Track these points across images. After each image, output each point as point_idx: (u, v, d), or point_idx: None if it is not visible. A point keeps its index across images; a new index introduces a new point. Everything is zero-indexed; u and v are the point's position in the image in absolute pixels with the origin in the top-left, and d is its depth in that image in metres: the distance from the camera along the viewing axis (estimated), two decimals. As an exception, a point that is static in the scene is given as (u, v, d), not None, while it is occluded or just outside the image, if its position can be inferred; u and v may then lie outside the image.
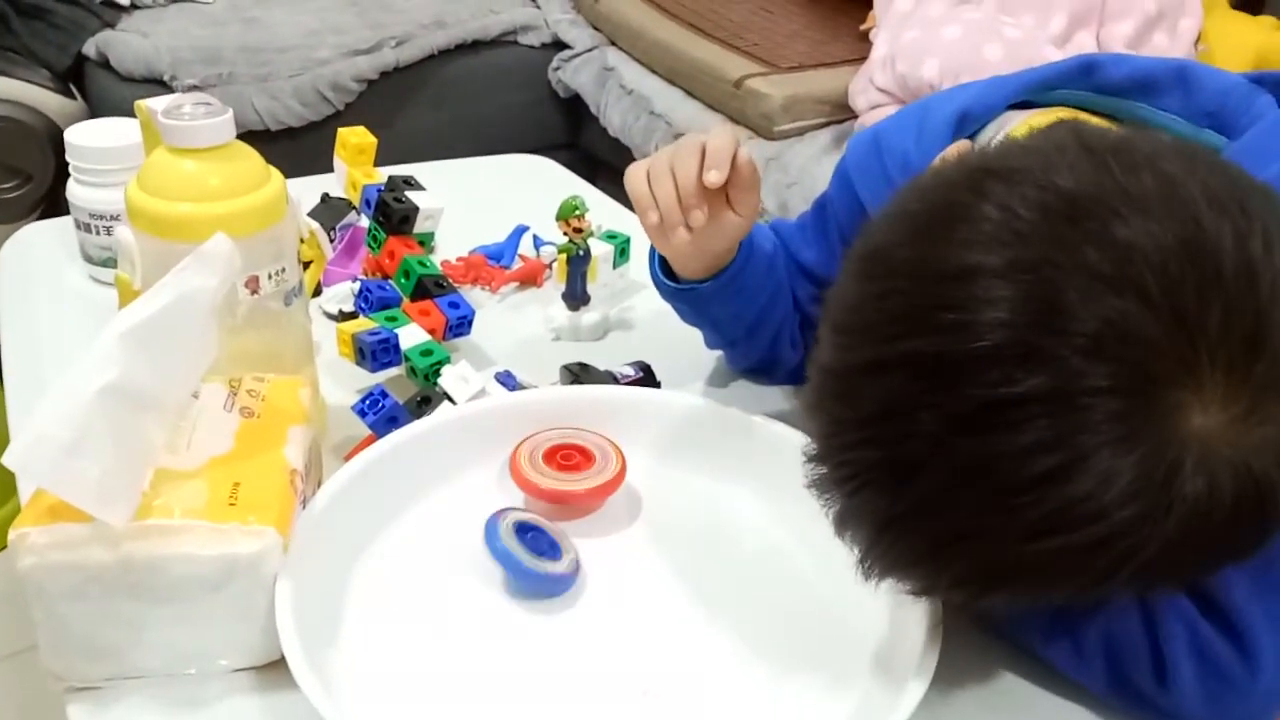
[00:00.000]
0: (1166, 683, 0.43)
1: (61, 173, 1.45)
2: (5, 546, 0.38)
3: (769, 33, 1.58)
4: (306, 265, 0.69)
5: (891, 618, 0.46)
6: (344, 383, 0.65)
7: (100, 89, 1.60)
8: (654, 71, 1.60)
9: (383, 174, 0.78)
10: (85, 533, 0.42)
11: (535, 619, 0.48)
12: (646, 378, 0.65)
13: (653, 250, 0.62)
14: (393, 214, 0.72)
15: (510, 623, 0.47)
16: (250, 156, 0.53)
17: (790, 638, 0.47)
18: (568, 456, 0.54)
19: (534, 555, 0.48)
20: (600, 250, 0.76)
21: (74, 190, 0.75)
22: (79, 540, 0.42)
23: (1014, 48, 1.14)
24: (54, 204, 1.50)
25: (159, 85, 1.58)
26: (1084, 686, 0.46)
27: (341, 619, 0.46)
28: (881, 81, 1.24)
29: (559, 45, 1.81)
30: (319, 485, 0.50)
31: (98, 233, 0.75)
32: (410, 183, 0.76)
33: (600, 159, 1.78)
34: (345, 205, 0.81)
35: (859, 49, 1.44)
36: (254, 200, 0.51)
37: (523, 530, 0.49)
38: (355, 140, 0.78)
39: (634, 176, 0.56)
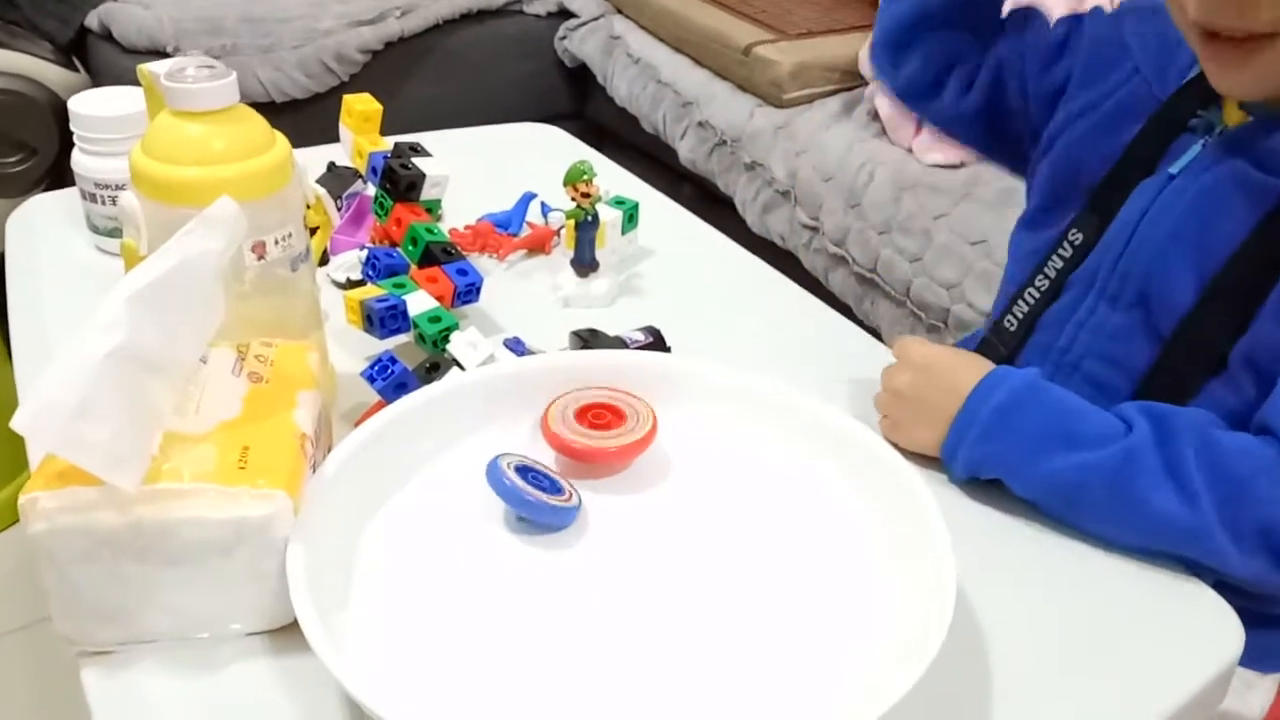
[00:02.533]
0: None
1: (66, 146, 1.45)
2: (15, 522, 0.38)
3: (777, -1, 1.56)
4: (313, 231, 0.68)
5: (906, 606, 0.45)
6: (353, 350, 0.64)
7: (103, 61, 1.59)
8: (661, 39, 1.59)
9: (389, 141, 0.78)
10: (95, 496, 0.41)
11: (548, 578, 0.47)
12: (656, 343, 0.64)
13: None
14: (399, 181, 0.71)
15: (521, 583, 0.47)
16: (255, 120, 0.52)
17: (799, 603, 0.46)
18: (599, 415, 0.54)
19: (537, 490, 0.48)
20: (609, 216, 0.75)
21: (78, 160, 0.75)
22: (89, 504, 0.41)
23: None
24: (59, 178, 1.50)
25: (161, 57, 1.56)
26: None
27: (353, 581, 0.46)
28: (892, 47, 1.22)
29: (565, 14, 1.79)
30: (329, 451, 0.50)
31: (103, 202, 0.74)
32: (417, 149, 0.75)
33: (608, 128, 1.77)
34: (351, 174, 0.80)
35: (869, 14, 1.42)
36: (259, 164, 0.51)
37: (523, 471, 0.49)
38: (361, 107, 0.77)
39: None
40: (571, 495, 0.50)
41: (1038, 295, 0.62)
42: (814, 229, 1.28)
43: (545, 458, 0.53)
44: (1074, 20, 0.67)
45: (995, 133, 0.70)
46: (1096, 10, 0.66)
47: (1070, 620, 0.49)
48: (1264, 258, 0.52)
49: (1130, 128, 0.60)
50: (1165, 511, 0.49)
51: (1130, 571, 0.51)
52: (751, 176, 1.37)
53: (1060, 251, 0.61)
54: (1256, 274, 0.52)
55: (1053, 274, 0.61)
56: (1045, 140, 0.66)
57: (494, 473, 0.49)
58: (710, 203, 1.48)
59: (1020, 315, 0.63)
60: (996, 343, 0.64)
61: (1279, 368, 0.52)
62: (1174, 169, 0.57)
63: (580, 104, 1.85)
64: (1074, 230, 0.60)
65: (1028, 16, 0.69)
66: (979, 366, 0.55)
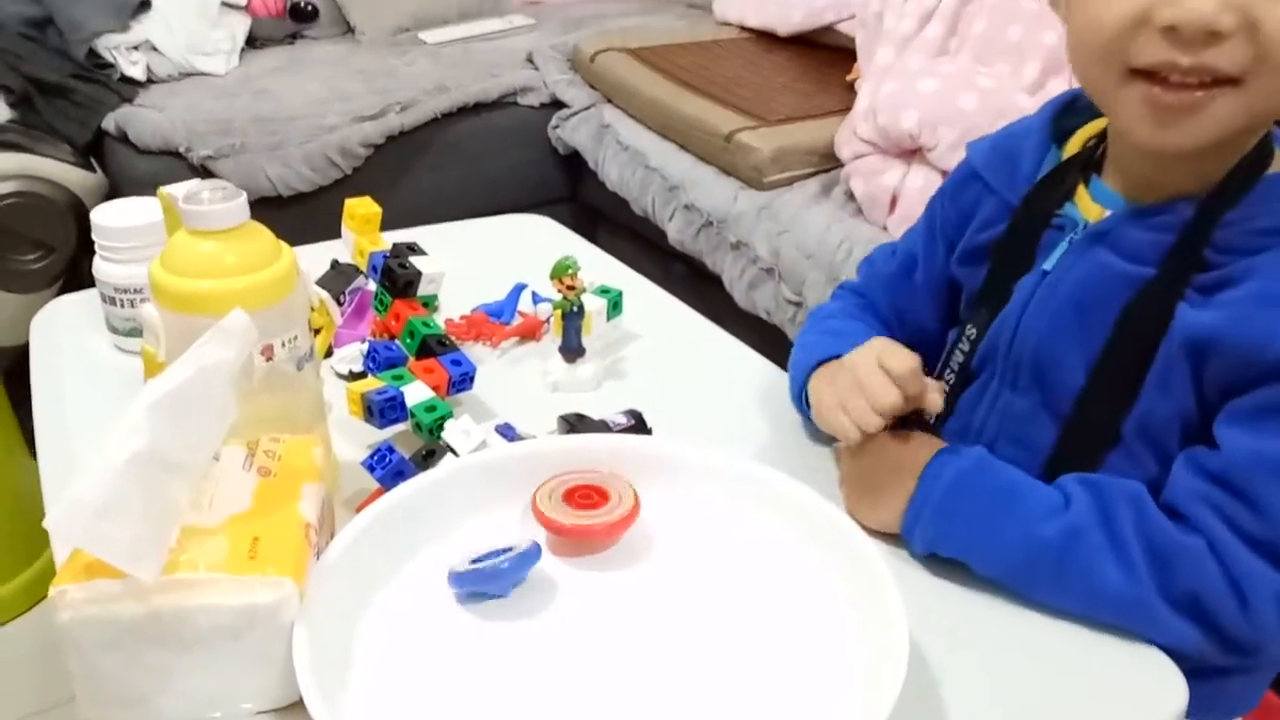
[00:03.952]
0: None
1: (83, 243, 1.51)
2: (31, 607, 0.42)
3: (758, 87, 1.63)
4: (317, 331, 0.73)
5: (868, 673, 0.48)
6: (355, 438, 0.69)
7: (120, 162, 1.66)
8: (649, 127, 1.66)
9: (388, 241, 0.83)
10: (118, 588, 0.45)
11: (540, 652, 0.51)
12: (638, 425, 0.68)
13: (795, 381, 0.71)
14: (397, 279, 0.76)
15: (515, 658, 0.51)
16: (263, 235, 0.58)
17: (769, 664, 0.50)
18: (586, 496, 0.58)
19: (488, 561, 0.53)
20: (594, 305, 0.80)
21: (100, 267, 0.80)
22: (112, 595, 0.45)
23: (988, 97, 1.19)
24: (74, 274, 1.55)
25: (175, 158, 1.65)
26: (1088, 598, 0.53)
27: (354, 660, 0.50)
28: (864, 133, 1.29)
29: (557, 105, 1.88)
30: (332, 536, 0.54)
31: (122, 305, 0.80)
32: (414, 248, 0.81)
33: (601, 211, 1.84)
34: (354, 270, 0.85)
35: (845, 99, 1.49)
36: (267, 275, 0.56)
37: (475, 561, 0.54)
38: (362, 211, 0.83)
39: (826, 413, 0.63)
40: (521, 544, 0.54)
41: (952, 381, 0.67)
42: (797, 304, 1.33)
43: (539, 537, 0.57)
44: (911, 243, 0.73)
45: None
46: (960, 164, 0.71)
47: (1022, 680, 0.52)
48: (1139, 335, 0.56)
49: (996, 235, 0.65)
50: (1108, 583, 0.53)
51: (1078, 633, 0.54)
52: (737, 255, 1.43)
53: (960, 346, 0.66)
54: (1135, 351, 0.56)
55: (956, 366, 0.66)
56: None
57: (457, 581, 0.53)
58: (700, 280, 1.54)
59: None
60: (921, 429, 0.68)
61: (1169, 438, 0.57)
62: (1047, 265, 0.61)
63: (574, 189, 1.93)
64: (969, 325, 0.65)
65: (911, 264, 0.73)
66: (927, 445, 0.60)
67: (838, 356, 0.66)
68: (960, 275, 0.69)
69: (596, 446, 0.61)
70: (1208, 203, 0.55)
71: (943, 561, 0.58)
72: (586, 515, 0.56)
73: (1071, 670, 0.53)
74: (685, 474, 0.60)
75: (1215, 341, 0.54)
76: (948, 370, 0.67)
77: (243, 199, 0.56)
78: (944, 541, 0.57)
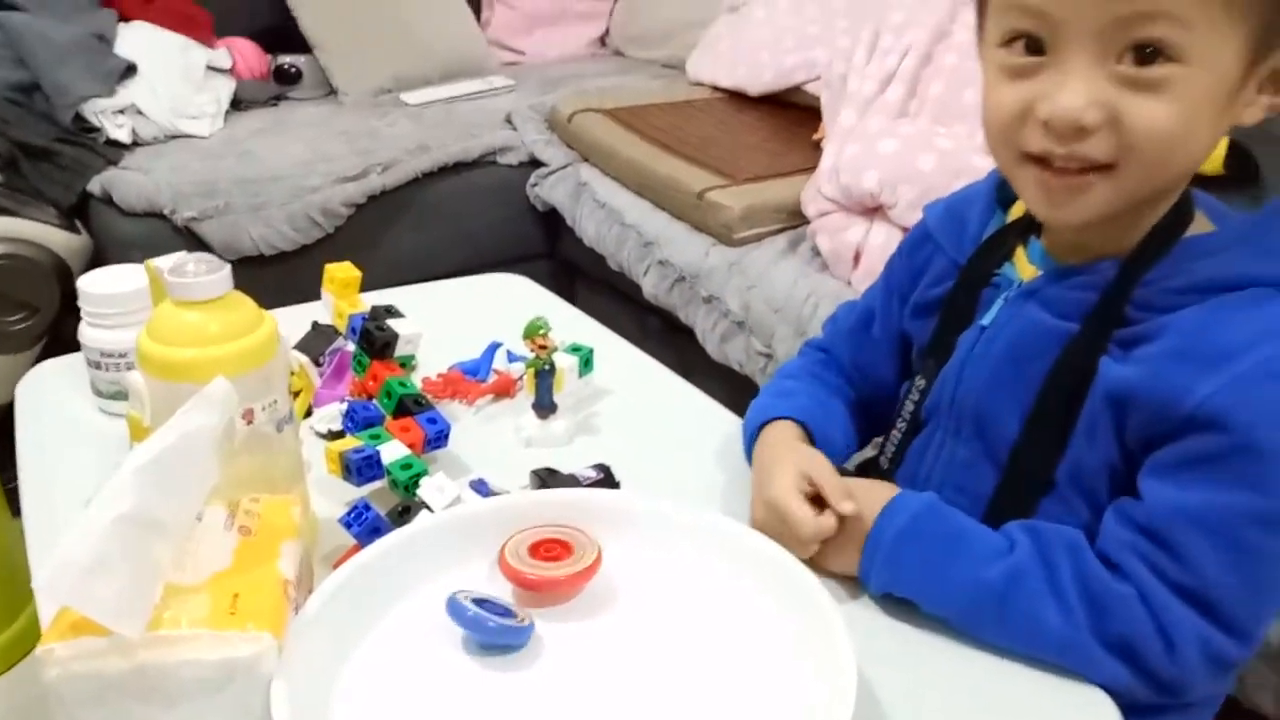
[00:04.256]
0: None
1: (66, 304, 1.53)
2: (9, 669, 0.44)
3: (729, 146, 1.69)
4: (296, 394, 0.76)
5: (823, 712, 0.51)
6: (334, 496, 0.71)
7: (104, 224, 1.69)
8: (624, 186, 1.71)
9: (367, 303, 0.86)
10: (103, 645, 0.47)
11: (510, 699, 0.53)
12: (606, 479, 0.71)
13: (745, 440, 0.74)
14: (375, 341, 0.79)
15: (486, 706, 0.53)
16: (245, 304, 0.61)
17: (727, 702, 0.52)
18: (550, 549, 0.60)
19: (495, 615, 0.55)
20: (565, 363, 0.83)
21: (85, 332, 0.83)
22: (98, 651, 0.47)
23: (946, 158, 1.24)
24: (57, 335, 1.58)
25: (159, 219, 1.68)
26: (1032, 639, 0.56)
27: (333, 713, 0.52)
28: (829, 191, 1.33)
29: (535, 164, 1.93)
30: (310, 592, 0.56)
31: (107, 369, 0.82)
32: (391, 311, 0.84)
33: (578, 266, 1.88)
34: (333, 332, 0.88)
35: (812, 158, 1.54)
36: (249, 343, 0.59)
37: (480, 603, 0.56)
38: (341, 275, 0.86)
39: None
40: (524, 618, 0.56)
41: (903, 431, 0.70)
42: (768, 355, 1.37)
43: (504, 590, 0.59)
44: (869, 303, 0.77)
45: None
46: (916, 225, 0.76)
47: (970, 715, 0.55)
48: (1066, 388, 0.60)
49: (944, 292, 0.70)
50: (1047, 624, 0.56)
51: (1023, 671, 0.57)
52: (709, 309, 1.47)
53: (911, 396, 0.70)
54: (1063, 403, 0.60)
55: (907, 415, 0.70)
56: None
57: (454, 607, 0.55)
58: (674, 333, 1.57)
59: (891, 448, 0.72)
60: (876, 474, 0.72)
61: (1099, 486, 0.60)
62: (985, 321, 0.65)
63: (552, 245, 1.97)
64: (918, 377, 0.69)
65: (869, 318, 0.77)
66: (881, 492, 0.63)
67: (782, 418, 0.70)
68: (912, 329, 0.73)
69: (565, 500, 0.64)
70: (1128, 263, 0.59)
71: (898, 604, 0.61)
72: (550, 567, 0.59)
73: (1017, 707, 0.55)
74: (648, 526, 0.63)
75: (1134, 395, 0.57)
76: (900, 420, 0.71)
77: (226, 271, 0.59)
78: (897, 583, 0.60)
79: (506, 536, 0.61)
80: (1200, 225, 0.61)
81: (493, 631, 0.55)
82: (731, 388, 1.29)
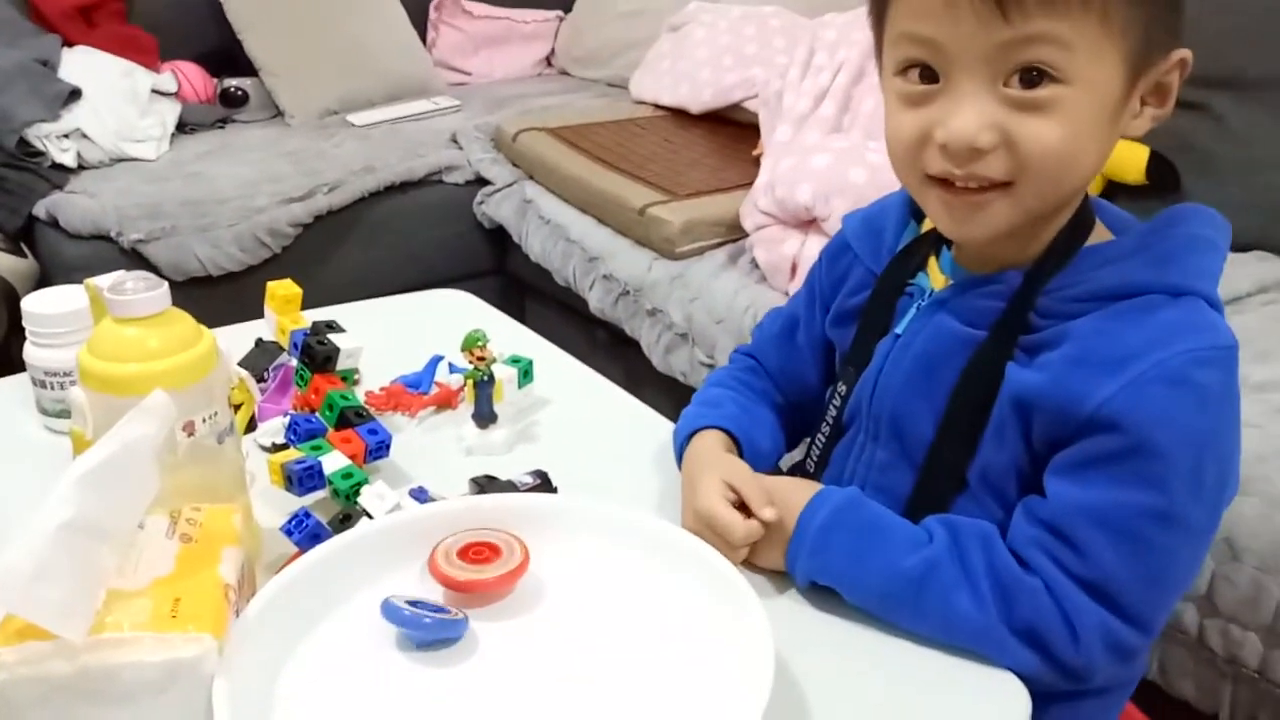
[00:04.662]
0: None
1: (14, 329, 1.52)
2: None
3: (670, 162, 1.73)
4: (238, 407, 0.78)
5: (740, 688, 0.54)
6: (280, 507, 0.72)
7: (51, 247, 1.69)
8: (568, 202, 1.75)
9: (308, 319, 0.88)
10: (48, 649, 0.49)
11: (446, 694, 0.55)
12: (543, 484, 0.74)
13: (676, 449, 0.76)
14: (316, 355, 0.81)
15: (423, 701, 0.55)
16: (184, 320, 0.63)
17: (653, 689, 0.55)
18: (478, 552, 0.63)
19: (429, 612, 0.58)
20: (504, 374, 0.85)
21: (30, 351, 0.84)
22: (43, 655, 0.49)
23: (877, 172, 1.29)
24: (6, 358, 1.57)
25: (106, 242, 1.68)
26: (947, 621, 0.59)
27: (274, 713, 0.54)
28: (765, 205, 1.38)
29: (481, 182, 1.95)
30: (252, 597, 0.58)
31: (51, 388, 0.83)
32: (333, 326, 0.86)
33: (526, 282, 1.91)
34: (276, 348, 0.90)
35: (751, 173, 1.59)
36: (188, 357, 0.61)
37: (414, 604, 0.58)
38: (282, 292, 0.88)
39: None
40: (458, 614, 0.59)
41: (826, 435, 0.74)
42: (710, 365, 1.41)
43: (436, 594, 0.61)
44: (793, 309, 0.81)
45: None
46: (836, 235, 0.79)
47: (886, 696, 0.58)
48: (976, 393, 0.63)
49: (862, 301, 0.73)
50: (960, 612, 0.59)
51: (938, 657, 0.60)
52: (653, 321, 1.51)
53: (833, 402, 0.73)
54: (974, 407, 0.63)
55: (831, 420, 0.73)
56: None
57: (390, 609, 0.57)
58: (621, 345, 1.61)
59: (816, 452, 0.75)
60: (805, 476, 0.76)
61: (1008, 485, 0.63)
62: (899, 329, 0.69)
63: (500, 261, 2.00)
64: (840, 383, 0.73)
65: (794, 325, 0.81)
66: (804, 489, 0.66)
67: (710, 427, 0.74)
68: (834, 336, 0.76)
69: (500, 505, 0.66)
70: (1032, 272, 0.63)
71: (823, 597, 0.64)
72: (478, 569, 0.61)
73: (930, 688, 0.59)
74: (576, 526, 0.65)
75: (1038, 399, 0.60)
76: (824, 424, 0.74)
77: (164, 288, 0.61)
78: (821, 571, 0.63)
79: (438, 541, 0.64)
80: (1100, 235, 0.64)
81: (429, 627, 0.57)
82: (676, 398, 1.33)
